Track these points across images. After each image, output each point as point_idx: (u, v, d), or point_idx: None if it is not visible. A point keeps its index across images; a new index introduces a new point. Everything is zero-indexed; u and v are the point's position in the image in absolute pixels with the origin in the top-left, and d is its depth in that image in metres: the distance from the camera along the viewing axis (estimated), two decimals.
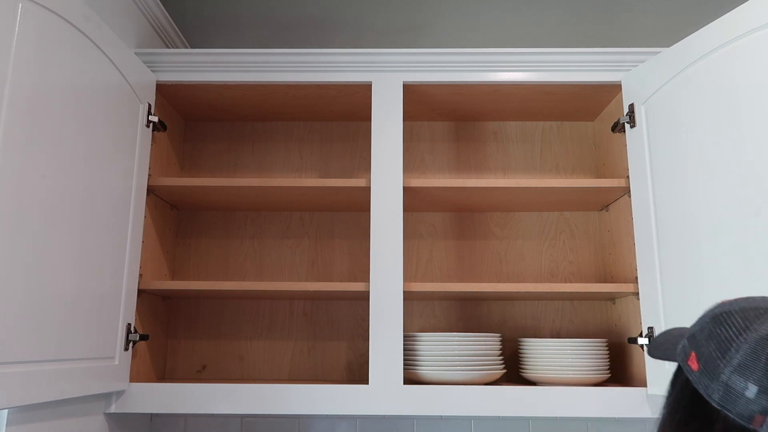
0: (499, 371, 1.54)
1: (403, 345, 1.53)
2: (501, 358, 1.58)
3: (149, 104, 1.59)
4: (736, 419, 0.64)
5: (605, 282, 1.81)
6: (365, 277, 1.83)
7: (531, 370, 1.57)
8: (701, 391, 0.68)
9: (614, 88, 1.67)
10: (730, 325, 0.68)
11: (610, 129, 1.73)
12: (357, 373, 1.80)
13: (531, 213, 1.88)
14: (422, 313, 1.83)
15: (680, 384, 0.73)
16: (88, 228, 1.26)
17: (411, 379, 1.54)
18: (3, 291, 1.00)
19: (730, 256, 1.23)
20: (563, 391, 1.45)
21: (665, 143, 1.44)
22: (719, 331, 0.69)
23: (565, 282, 1.83)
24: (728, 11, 1.29)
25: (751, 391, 0.63)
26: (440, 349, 1.51)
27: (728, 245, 1.23)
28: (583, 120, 1.93)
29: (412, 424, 1.77)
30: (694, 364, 0.70)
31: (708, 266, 1.28)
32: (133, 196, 1.49)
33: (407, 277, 1.83)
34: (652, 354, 0.83)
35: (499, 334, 1.59)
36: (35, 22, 1.08)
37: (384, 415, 1.76)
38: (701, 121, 1.33)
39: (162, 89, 1.69)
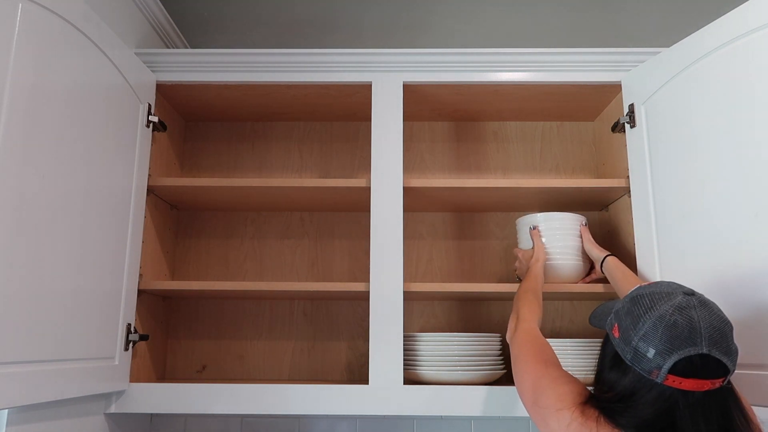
0: (499, 371, 1.54)
1: (403, 345, 1.53)
2: (501, 358, 1.58)
3: (149, 104, 1.59)
4: (641, 372, 0.88)
5: (605, 282, 1.81)
6: (365, 277, 1.83)
7: None
8: (619, 352, 0.92)
9: (614, 88, 1.67)
10: (641, 305, 0.92)
11: (610, 129, 1.72)
12: (357, 373, 1.79)
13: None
14: (422, 313, 1.83)
15: (608, 345, 0.96)
16: (88, 228, 1.26)
17: (411, 379, 1.54)
18: (3, 291, 1.00)
19: (729, 257, 1.23)
20: None
21: (665, 143, 1.44)
22: (633, 309, 0.93)
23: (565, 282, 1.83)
24: (728, 11, 1.29)
25: (651, 353, 0.87)
26: (440, 349, 1.51)
27: (727, 246, 1.23)
28: (583, 120, 1.93)
29: (412, 424, 1.77)
30: (616, 333, 0.94)
31: (708, 266, 1.28)
32: (133, 196, 1.49)
33: (407, 277, 1.83)
34: (592, 323, 1.07)
35: (499, 334, 1.59)
36: (35, 22, 1.08)
37: (384, 415, 1.76)
38: (701, 121, 1.33)
39: (162, 89, 1.69)
